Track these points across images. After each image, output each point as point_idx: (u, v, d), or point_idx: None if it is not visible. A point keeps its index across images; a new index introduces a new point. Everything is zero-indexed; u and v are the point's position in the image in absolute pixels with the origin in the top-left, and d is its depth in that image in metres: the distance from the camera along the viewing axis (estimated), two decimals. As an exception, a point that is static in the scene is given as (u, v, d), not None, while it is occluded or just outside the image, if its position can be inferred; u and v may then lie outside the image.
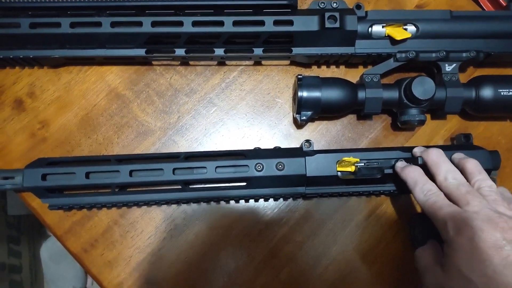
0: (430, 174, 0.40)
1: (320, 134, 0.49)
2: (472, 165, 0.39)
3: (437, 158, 0.39)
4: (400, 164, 0.42)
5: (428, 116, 0.49)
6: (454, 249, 0.34)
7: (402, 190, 0.44)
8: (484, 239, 0.32)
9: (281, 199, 0.47)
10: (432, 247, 0.39)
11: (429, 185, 0.38)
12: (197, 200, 0.44)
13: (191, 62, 0.49)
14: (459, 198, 0.36)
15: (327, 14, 0.43)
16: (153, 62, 0.49)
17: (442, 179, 0.38)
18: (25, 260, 0.93)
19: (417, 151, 0.42)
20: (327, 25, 0.43)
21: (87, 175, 0.41)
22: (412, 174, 0.40)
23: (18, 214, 0.93)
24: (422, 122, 0.45)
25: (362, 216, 0.47)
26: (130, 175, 0.41)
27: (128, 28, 0.44)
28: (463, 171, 0.39)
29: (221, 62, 0.49)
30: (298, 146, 0.46)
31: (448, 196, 0.37)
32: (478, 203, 0.34)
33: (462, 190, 0.36)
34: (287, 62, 0.50)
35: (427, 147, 0.42)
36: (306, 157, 0.43)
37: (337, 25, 0.43)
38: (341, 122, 0.49)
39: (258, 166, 0.42)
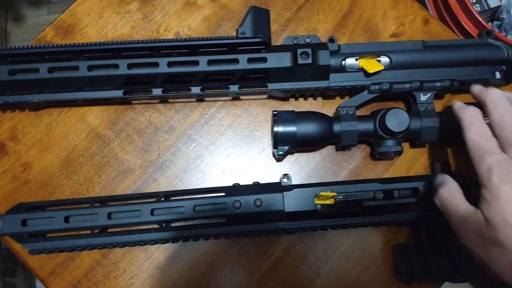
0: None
1: (299, 166, 0.49)
2: None
3: (497, 98, 0.36)
4: (458, 103, 0.39)
5: (407, 144, 0.49)
6: (498, 197, 0.32)
7: (385, 222, 0.45)
8: None
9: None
10: (457, 189, 0.37)
11: (486, 129, 0.36)
12: (176, 239, 0.44)
13: (170, 100, 0.50)
14: (510, 143, 0.34)
15: (299, 51, 0.44)
16: (132, 101, 0.49)
17: (498, 118, 0.35)
18: (21, 292, 0.93)
19: (456, 105, 0.39)
20: (300, 61, 0.44)
21: (66, 219, 0.42)
22: (470, 114, 0.37)
23: (13, 246, 0.94)
24: (399, 153, 0.45)
25: (345, 247, 0.47)
26: (109, 217, 0.42)
27: (105, 71, 0.44)
28: None
29: (200, 99, 0.50)
30: (278, 179, 0.46)
31: (497, 136, 0.35)
32: None
33: None
34: (265, 96, 0.50)
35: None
36: (284, 192, 0.43)
37: (309, 60, 0.44)
38: (320, 154, 0.49)
39: (236, 203, 0.42)
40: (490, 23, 0.87)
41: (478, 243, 0.33)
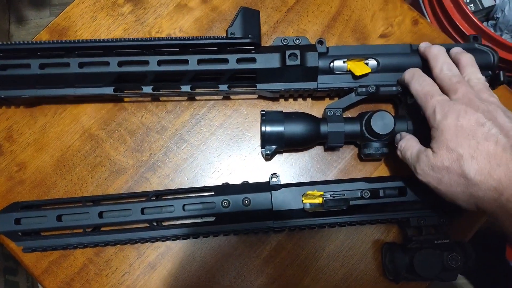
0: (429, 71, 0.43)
1: (289, 165, 0.50)
2: (466, 59, 0.42)
3: (437, 52, 0.43)
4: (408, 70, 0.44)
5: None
6: (442, 130, 0.37)
7: (372, 220, 0.45)
8: (468, 118, 0.36)
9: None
10: (413, 138, 0.42)
11: (426, 78, 0.42)
12: (166, 238, 0.45)
13: (161, 98, 0.51)
14: (449, 87, 0.40)
15: (288, 52, 0.45)
16: (124, 99, 0.50)
17: (438, 71, 0.41)
18: (22, 291, 0.94)
19: (422, 45, 0.45)
20: (288, 62, 0.45)
21: (58, 217, 0.43)
22: (410, 71, 0.44)
23: (14, 245, 0.95)
24: (384, 155, 0.46)
25: (334, 245, 0.48)
26: (100, 216, 0.43)
27: (96, 68, 0.45)
28: (457, 65, 0.42)
29: (191, 97, 0.51)
30: (268, 178, 0.47)
31: (441, 87, 0.40)
32: (465, 91, 0.38)
33: (453, 80, 0.40)
34: (255, 96, 0.51)
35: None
36: (272, 191, 0.44)
37: (297, 62, 0.45)
38: (309, 153, 0.50)
39: (225, 202, 0.43)
40: (484, 23, 0.87)
41: (430, 175, 0.38)
